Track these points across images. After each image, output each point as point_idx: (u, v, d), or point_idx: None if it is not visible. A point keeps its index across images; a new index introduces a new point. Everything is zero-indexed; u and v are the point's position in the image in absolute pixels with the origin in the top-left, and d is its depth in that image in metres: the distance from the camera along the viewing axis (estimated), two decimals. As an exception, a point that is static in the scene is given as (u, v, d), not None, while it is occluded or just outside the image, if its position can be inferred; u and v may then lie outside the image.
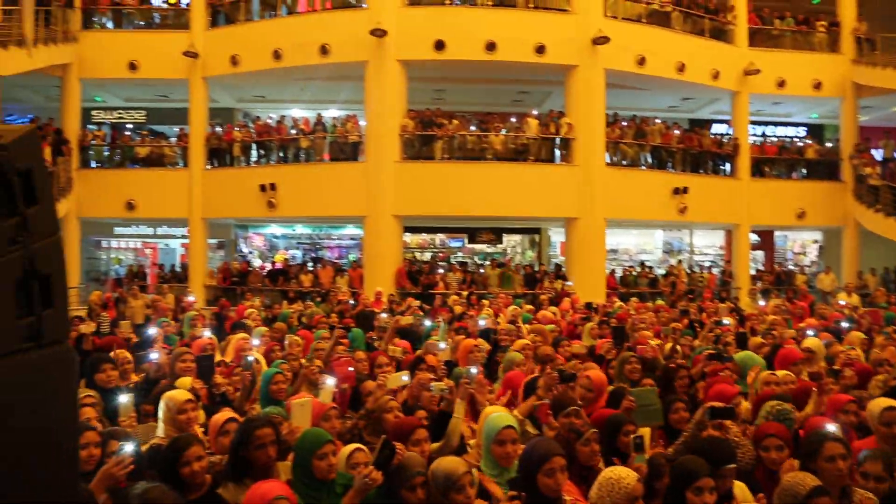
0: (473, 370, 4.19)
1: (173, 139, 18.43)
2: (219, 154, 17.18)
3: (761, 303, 11.83)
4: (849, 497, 2.87)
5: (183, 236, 19.22)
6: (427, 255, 19.69)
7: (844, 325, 8.30)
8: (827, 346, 6.06)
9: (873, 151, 19.18)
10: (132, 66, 16.94)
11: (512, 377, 4.64)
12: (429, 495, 2.66)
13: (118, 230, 20.31)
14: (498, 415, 3.24)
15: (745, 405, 4.28)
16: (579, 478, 3.04)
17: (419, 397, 4.25)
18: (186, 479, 2.92)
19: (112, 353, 5.46)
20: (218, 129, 17.66)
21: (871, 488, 2.91)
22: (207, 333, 6.34)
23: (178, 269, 18.67)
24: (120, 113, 20.56)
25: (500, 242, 20.27)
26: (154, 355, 4.96)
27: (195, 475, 2.94)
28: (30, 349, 1.58)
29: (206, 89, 17.40)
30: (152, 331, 5.83)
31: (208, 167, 17.13)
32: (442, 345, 5.46)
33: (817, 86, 18.48)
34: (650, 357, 5.24)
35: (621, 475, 2.55)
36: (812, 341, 6.03)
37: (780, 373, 4.75)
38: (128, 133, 19.34)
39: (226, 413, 3.64)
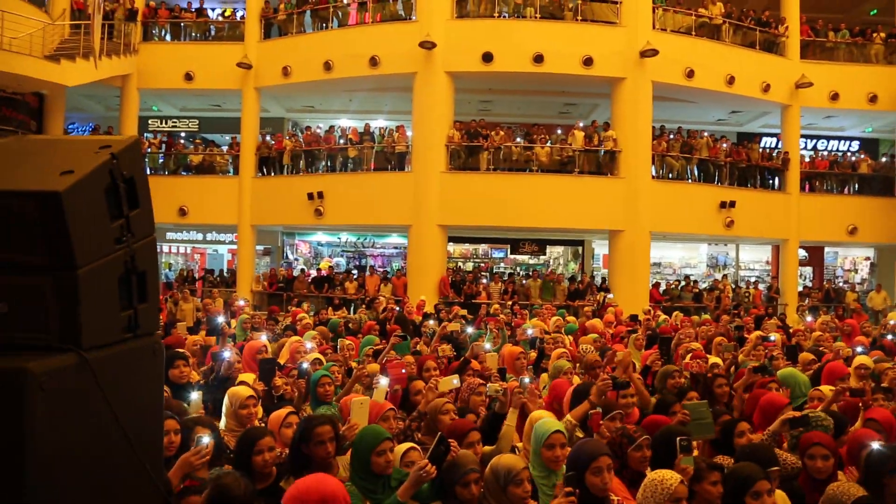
0: (527, 379, 4.27)
1: (225, 147, 19.00)
2: (268, 162, 17.62)
3: (808, 319, 11.58)
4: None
5: (231, 242, 19.74)
6: (470, 265, 19.79)
7: (889, 338, 8.13)
8: (875, 363, 5.97)
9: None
10: (188, 77, 17.55)
11: (557, 385, 4.71)
12: (481, 492, 2.75)
13: (170, 235, 20.96)
14: (546, 420, 3.32)
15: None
16: (630, 482, 3.09)
17: (468, 401, 4.33)
18: (257, 467, 3.13)
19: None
20: (268, 138, 18.12)
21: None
22: (264, 337, 6.53)
23: (225, 274, 19.19)
24: (174, 122, 21.26)
25: (544, 254, 20.25)
26: (227, 353, 5.16)
27: (266, 464, 3.16)
28: (129, 339, 1.75)
29: (258, 99, 17.89)
30: (227, 354, 6.06)
31: (258, 175, 17.57)
32: (487, 345, 5.54)
33: (873, 99, 18.03)
34: (696, 371, 5.23)
35: (665, 476, 2.62)
36: (862, 358, 5.93)
37: (825, 388, 4.71)
38: (182, 141, 19.99)
39: (287, 408, 3.83)
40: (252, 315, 9.98)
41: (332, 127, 18.22)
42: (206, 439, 2.99)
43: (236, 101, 17.90)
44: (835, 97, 17.89)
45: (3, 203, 1.40)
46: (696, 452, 3.55)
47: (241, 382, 4.41)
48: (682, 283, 17.73)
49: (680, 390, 4.75)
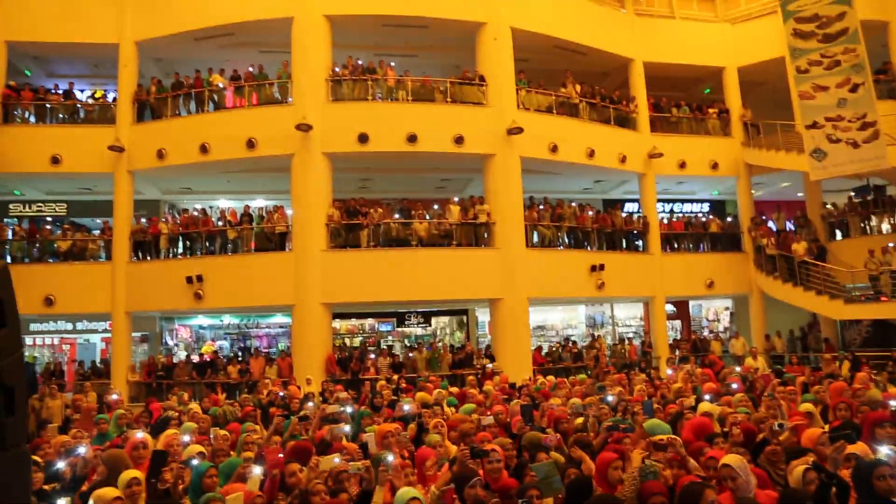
0: (390, 457, 4.50)
1: (96, 232, 18.26)
2: (144, 246, 17.09)
3: (669, 371, 12.61)
4: None
5: (105, 330, 18.75)
6: (357, 341, 19.81)
7: (734, 386, 9.09)
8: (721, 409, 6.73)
9: (770, 223, 20.86)
10: (55, 160, 16.89)
11: (420, 454, 4.99)
12: None
13: (34, 326, 19.64)
14: (404, 490, 3.55)
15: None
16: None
17: (337, 481, 4.48)
18: None
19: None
20: (143, 221, 17.63)
21: None
22: (140, 434, 6.35)
23: (98, 364, 18.13)
24: (39, 206, 20.25)
25: (430, 325, 20.63)
26: (81, 450, 5.01)
27: None
28: (-3, 452, 1.88)
29: (132, 182, 17.45)
30: (82, 450, 5.86)
31: (133, 260, 16.99)
32: (346, 428, 5.70)
33: (714, 166, 20.15)
34: (553, 444, 5.62)
35: None
36: (706, 406, 6.66)
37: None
38: (48, 227, 19.03)
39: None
40: (127, 409, 9.58)
41: (205, 209, 18.01)
42: None
43: (108, 183, 17.34)
44: (682, 165, 19.83)
45: None
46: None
47: (101, 485, 4.31)
48: (563, 344, 18.58)
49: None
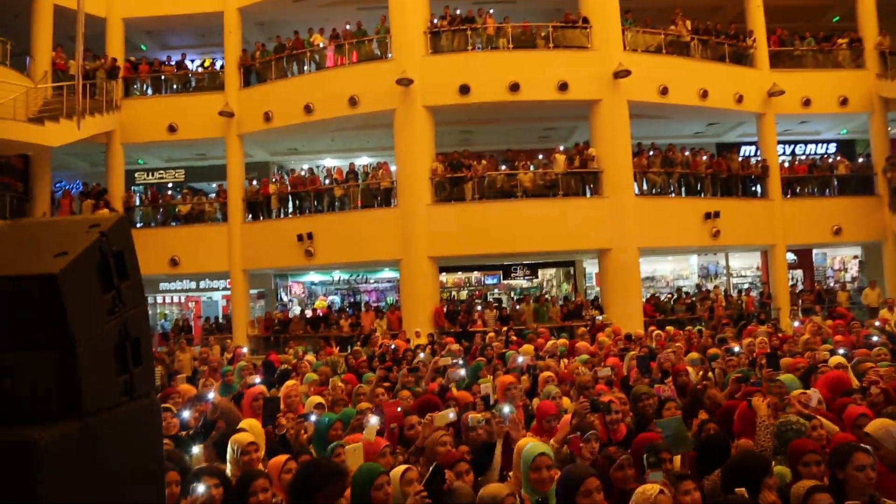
0: (506, 409, 4.39)
1: (212, 195, 19.17)
2: (256, 207, 17.78)
3: (796, 324, 11.70)
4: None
5: (224, 288, 19.79)
6: (464, 294, 19.89)
7: (875, 339, 8.25)
8: (856, 364, 6.10)
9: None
10: (171, 129, 17.77)
11: (542, 407, 4.84)
12: None
13: (163, 286, 21.00)
14: (532, 444, 3.43)
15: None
16: (616, 502, 3.19)
17: (466, 435, 4.41)
18: None
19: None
20: (254, 183, 18.31)
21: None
22: (258, 380, 6.59)
23: (221, 320, 19.22)
24: (161, 173, 21.45)
25: (536, 277, 20.38)
26: (210, 395, 5.21)
27: None
28: (125, 402, 1.87)
29: (242, 146, 18.12)
30: (211, 395, 6.15)
31: (247, 220, 17.71)
32: (461, 372, 5.61)
33: (843, 102, 18.42)
34: (665, 395, 5.32)
35: (646, 489, 2.74)
36: (837, 359, 6.10)
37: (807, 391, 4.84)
38: (169, 192, 20.14)
39: (285, 455, 3.93)
40: (249, 361, 10.02)
41: (312, 169, 18.44)
42: (202, 488, 3.07)
43: (220, 148, 18.13)
44: (807, 103, 18.26)
45: (5, 287, 1.53)
46: (676, 466, 3.68)
47: (238, 430, 4.44)
48: (675, 296, 17.87)
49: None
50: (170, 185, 21.34)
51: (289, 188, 17.66)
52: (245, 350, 12.41)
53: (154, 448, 2.19)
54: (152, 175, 21.46)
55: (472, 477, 3.52)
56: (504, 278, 20.29)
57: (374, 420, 4.24)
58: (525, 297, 17.03)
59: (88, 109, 16.01)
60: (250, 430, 4.65)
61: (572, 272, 20.51)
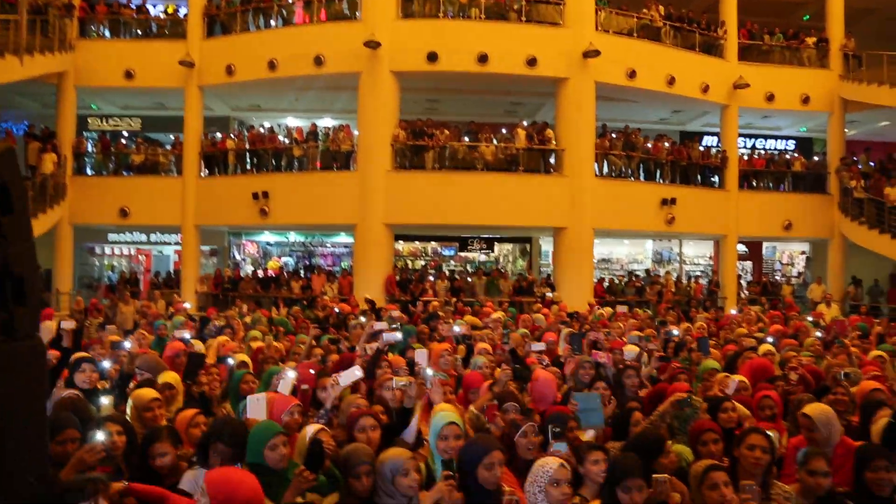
0: (430, 371, 4.39)
1: (168, 147, 18.62)
2: (213, 162, 17.35)
3: (732, 311, 12.00)
4: (768, 489, 3.06)
5: (177, 243, 19.37)
6: (419, 264, 19.83)
7: (818, 335, 8.51)
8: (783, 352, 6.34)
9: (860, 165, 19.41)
10: (128, 75, 17.14)
11: (469, 377, 4.85)
12: (373, 483, 2.80)
13: (112, 237, 20.45)
14: (443, 413, 3.40)
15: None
16: (519, 471, 3.19)
17: (380, 396, 4.38)
18: (157, 470, 3.12)
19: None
20: (215, 136, 17.84)
21: (817, 484, 3.05)
22: (186, 335, 6.46)
23: (171, 275, 18.83)
24: (115, 120, 20.74)
25: (492, 251, 20.43)
26: (127, 344, 5.07)
27: (163, 468, 3.15)
28: (3, 342, 1.77)
29: (202, 98, 17.59)
30: (127, 345, 5.97)
31: (202, 175, 17.29)
32: (398, 335, 5.59)
33: (806, 100, 18.73)
34: (603, 363, 5.42)
35: (547, 461, 2.72)
36: (767, 347, 6.32)
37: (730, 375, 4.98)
38: (123, 141, 19.50)
39: (193, 409, 3.82)
40: (185, 317, 9.84)
41: (273, 127, 18.05)
42: (101, 436, 2.96)
43: (179, 99, 17.56)
44: (770, 98, 18.51)
45: None
46: (589, 438, 3.72)
47: (145, 384, 4.31)
48: (627, 278, 18.12)
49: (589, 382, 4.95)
50: (125, 133, 20.66)
51: (247, 145, 17.25)
52: (189, 306, 12.17)
53: (36, 392, 2.08)
54: (106, 122, 20.74)
55: (379, 433, 3.48)
56: (461, 250, 20.28)
57: (290, 374, 4.15)
58: (478, 271, 17.05)
59: (38, 47, 15.30)
60: (174, 384, 4.55)
61: (528, 249, 20.62)
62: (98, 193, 17.28)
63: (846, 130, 19.63)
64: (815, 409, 3.72)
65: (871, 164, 19.22)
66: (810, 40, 19.19)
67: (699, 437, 3.50)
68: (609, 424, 4.25)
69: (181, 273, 17.61)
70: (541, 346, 6.19)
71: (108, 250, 21.06)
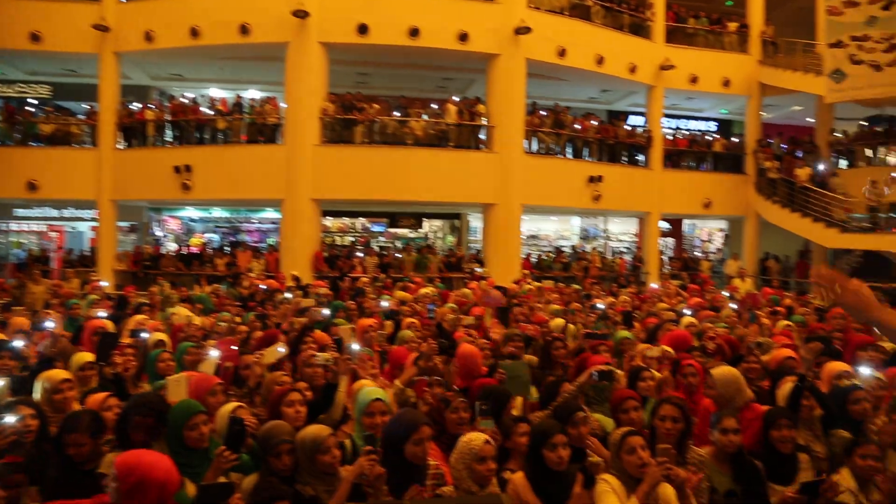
0: (355, 346, 4.36)
1: (81, 116, 17.59)
2: (131, 133, 16.52)
3: (653, 285, 12.43)
4: (685, 453, 3.19)
5: (92, 219, 18.42)
6: (348, 240, 19.58)
7: (732, 306, 8.96)
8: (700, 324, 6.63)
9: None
10: (34, 38, 16.01)
11: (395, 352, 4.81)
12: (294, 461, 2.73)
13: (19, 212, 19.27)
14: (368, 388, 3.35)
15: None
16: (446, 445, 3.17)
17: (303, 372, 4.30)
18: (74, 458, 2.96)
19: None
20: (132, 106, 16.97)
21: (729, 441, 3.21)
22: (102, 314, 6.16)
23: (87, 253, 17.91)
24: (21, 87, 19.46)
25: (422, 227, 20.37)
26: (49, 324, 4.79)
27: (80, 456, 2.98)
28: None
29: (118, 65, 16.66)
30: (49, 325, 5.63)
31: (119, 147, 16.45)
32: (325, 311, 5.53)
33: (726, 83, 19.38)
34: (532, 335, 5.50)
35: (472, 437, 2.71)
36: (687, 319, 6.56)
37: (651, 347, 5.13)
38: (31, 109, 18.31)
39: (104, 393, 3.66)
40: (100, 295, 9.39)
41: (195, 98, 17.33)
42: (11, 419, 2.80)
43: (94, 66, 16.55)
44: (694, 80, 19.07)
45: None
46: (516, 411, 3.74)
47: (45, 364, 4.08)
48: (554, 255, 18.44)
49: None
50: (34, 101, 19.41)
51: (168, 116, 16.51)
52: (106, 284, 11.62)
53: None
54: (11, 88, 19.43)
55: (305, 410, 3.40)
56: (390, 227, 20.13)
57: (213, 353, 4.02)
58: (407, 247, 16.97)
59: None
60: (83, 364, 4.33)
61: (457, 225, 20.67)
62: (3, 165, 16.19)
63: (762, 113, 20.45)
64: (719, 371, 3.96)
65: (783, 146, 20.12)
66: (732, 25, 19.82)
67: (620, 406, 3.60)
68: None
69: (97, 251, 16.78)
70: (470, 319, 6.21)
71: (14, 226, 19.84)
